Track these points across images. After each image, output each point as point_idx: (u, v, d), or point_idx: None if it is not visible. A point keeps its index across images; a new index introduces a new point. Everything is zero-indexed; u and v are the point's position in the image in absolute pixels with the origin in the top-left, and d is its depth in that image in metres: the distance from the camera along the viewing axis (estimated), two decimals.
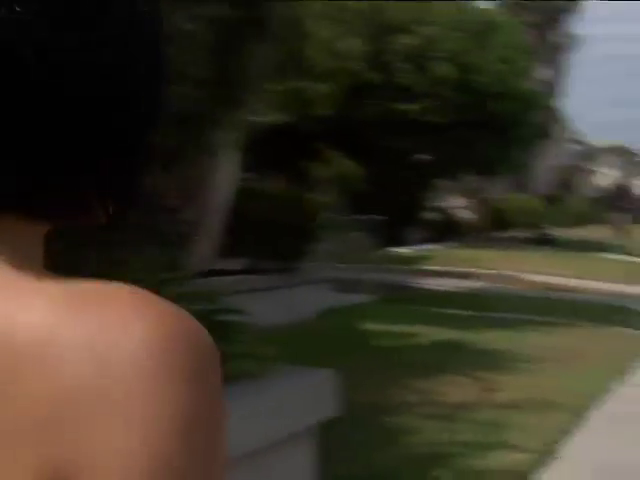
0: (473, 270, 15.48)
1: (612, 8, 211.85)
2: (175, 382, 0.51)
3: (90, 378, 0.50)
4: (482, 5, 23.68)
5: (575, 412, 6.41)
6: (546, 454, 5.42)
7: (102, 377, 0.50)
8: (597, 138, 67.69)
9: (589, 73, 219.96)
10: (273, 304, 8.82)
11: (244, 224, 8.80)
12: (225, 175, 7.49)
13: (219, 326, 3.43)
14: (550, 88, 40.05)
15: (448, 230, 23.23)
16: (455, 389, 6.88)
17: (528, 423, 6.02)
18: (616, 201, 23.89)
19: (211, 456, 0.52)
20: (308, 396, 3.73)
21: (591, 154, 64.46)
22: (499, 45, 20.30)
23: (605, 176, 54.79)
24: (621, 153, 65.94)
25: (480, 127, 19.71)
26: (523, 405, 6.45)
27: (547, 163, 50.28)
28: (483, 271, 15.38)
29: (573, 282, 14.30)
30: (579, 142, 66.65)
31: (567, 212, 37.41)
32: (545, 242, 22.70)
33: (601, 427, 6.17)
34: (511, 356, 8.20)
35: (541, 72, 41.24)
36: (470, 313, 10.98)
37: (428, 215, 22.99)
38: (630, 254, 20.68)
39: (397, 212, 20.27)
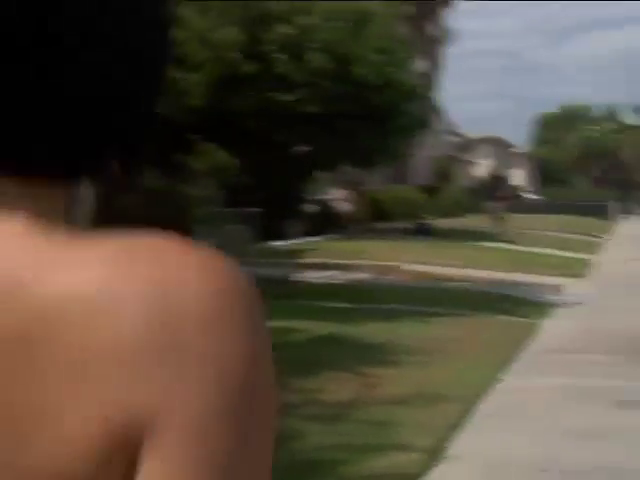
0: (354, 262, 15.21)
1: (483, 4, 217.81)
2: (235, 324, 0.54)
3: (155, 327, 0.53)
4: None
5: (464, 405, 6.15)
6: (436, 453, 5.11)
7: (166, 325, 0.53)
8: (472, 130, 69.32)
9: (463, 67, 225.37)
10: None
11: (116, 219, 8.22)
12: None
13: None
14: (427, 80, 40.48)
15: (328, 222, 23.01)
16: (338, 387, 6.52)
17: (416, 420, 5.72)
18: (492, 191, 24.13)
19: (271, 392, 0.56)
20: None
21: (467, 145, 65.85)
22: (375, 36, 20.18)
23: (481, 167, 55.98)
24: (496, 144, 67.65)
25: (358, 118, 19.55)
26: (410, 400, 6.15)
27: (425, 154, 50.96)
28: (364, 263, 15.12)
29: (454, 271, 14.21)
30: (455, 134, 67.95)
31: (445, 202, 37.91)
32: (424, 232, 22.75)
33: (491, 421, 5.92)
34: (396, 349, 7.92)
35: (418, 64, 41.71)
36: (352, 306, 10.68)
37: (308, 208, 22.69)
38: (507, 242, 20.92)
39: (276, 205, 19.88)
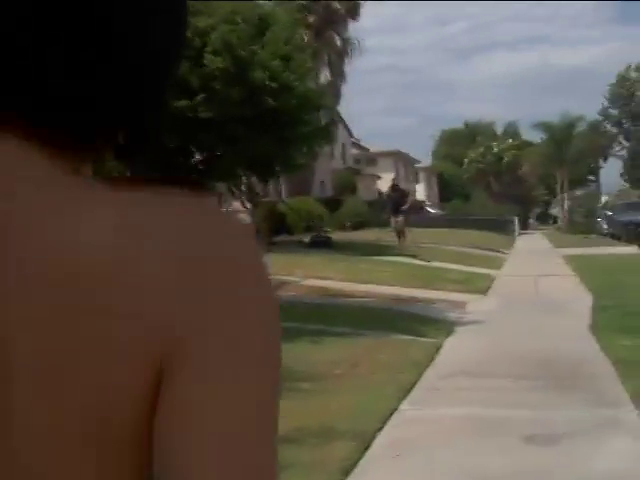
0: None
1: (389, 22, 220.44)
2: (249, 263, 0.62)
3: (181, 266, 0.59)
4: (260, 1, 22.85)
5: (357, 442, 5.43)
6: None
7: (193, 261, 0.59)
8: (374, 145, 69.40)
9: (369, 83, 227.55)
10: None
11: None
12: None
13: None
14: (330, 91, 40.09)
15: None
16: None
17: (306, 461, 4.96)
18: (394, 204, 23.61)
19: (278, 324, 0.64)
20: None
21: (372, 158, 65.91)
22: (275, 40, 19.51)
23: (384, 180, 55.94)
24: (399, 158, 67.90)
25: (256, 124, 18.80)
26: (298, 437, 5.38)
27: (328, 166, 50.60)
28: None
29: (354, 287, 13.58)
30: (359, 147, 68.01)
31: (347, 215, 37.53)
32: (324, 245, 22.12)
33: (385, 461, 5.21)
34: (286, 374, 7.14)
35: (322, 74, 41.32)
36: None
37: None
38: (409, 256, 20.46)
39: None
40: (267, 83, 18.99)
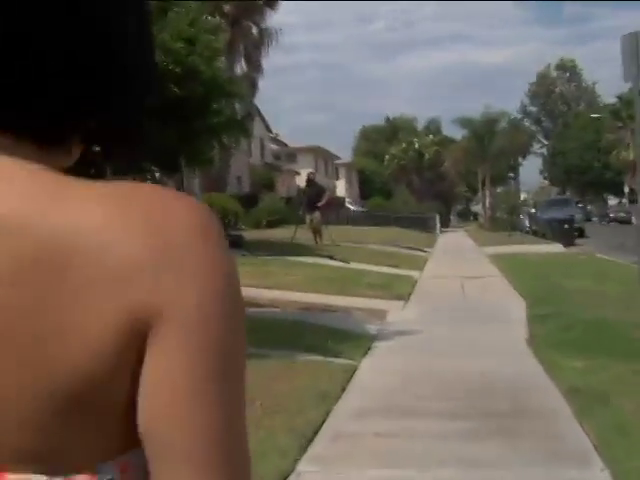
0: None
1: (309, 17, 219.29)
2: (215, 241, 0.70)
3: (153, 245, 0.67)
4: None
5: None
6: None
7: (165, 245, 0.67)
8: (294, 141, 67.90)
9: (291, 79, 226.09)
10: None
11: None
12: None
13: None
14: (246, 82, 38.38)
15: None
16: None
17: None
18: (309, 200, 22.04)
19: (241, 299, 0.72)
20: None
21: (291, 154, 64.37)
22: (179, 22, 17.74)
23: (303, 176, 54.49)
24: (318, 154, 66.52)
25: (157, 112, 16.95)
26: None
27: (245, 162, 48.86)
28: None
29: (261, 294, 11.93)
30: (278, 142, 66.39)
31: (264, 213, 35.90)
32: (234, 245, 20.32)
33: None
34: None
35: (237, 65, 39.61)
36: None
37: None
38: (325, 257, 18.92)
39: None
40: (170, 68, 17.21)
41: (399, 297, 12.88)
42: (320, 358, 8.08)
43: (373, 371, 7.72)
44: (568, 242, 29.92)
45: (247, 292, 11.51)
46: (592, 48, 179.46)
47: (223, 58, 38.08)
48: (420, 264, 20.62)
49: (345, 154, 79.70)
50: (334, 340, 8.85)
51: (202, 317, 0.67)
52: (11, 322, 0.65)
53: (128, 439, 0.69)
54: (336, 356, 8.23)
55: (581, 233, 36.57)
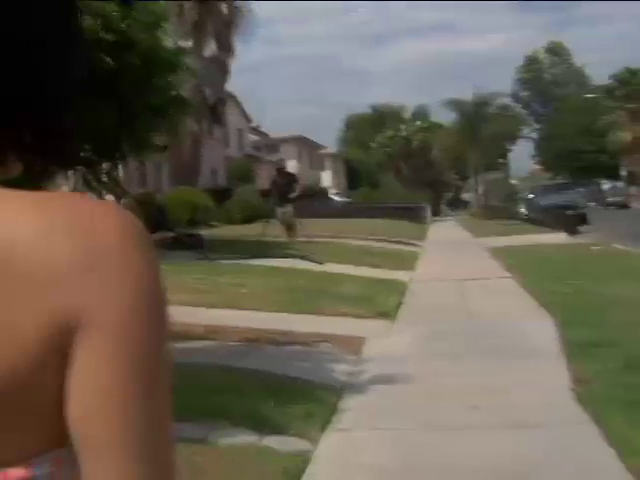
0: None
1: (297, 9, 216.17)
2: (138, 245, 0.71)
3: (78, 250, 0.68)
4: None
5: None
6: None
7: (89, 251, 0.69)
8: (277, 131, 64.74)
9: (278, 72, 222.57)
10: None
11: None
12: None
13: None
14: (218, 66, 35.25)
15: None
16: None
17: None
18: (280, 192, 18.93)
19: (165, 301, 0.73)
20: None
21: (273, 145, 61.15)
22: None
23: (287, 168, 51.35)
24: (302, 144, 63.35)
25: (91, 90, 13.79)
26: None
27: (221, 153, 45.68)
28: None
29: (197, 316, 8.78)
30: (260, 133, 63.18)
31: (237, 207, 32.81)
32: (193, 247, 17.15)
33: None
34: None
35: (207, 47, 36.40)
36: None
37: None
38: (299, 257, 15.79)
39: None
40: (100, 35, 14.03)
41: (383, 314, 9.76)
42: (251, 440, 4.97)
43: (335, 467, 4.63)
44: (572, 230, 26.99)
45: (184, 313, 8.34)
46: (577, 34, 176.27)
47: (191, 40, 34.88)
48: (410, 262, 17.55)
49: (332, 145, 76.69)
50: (280, 401, 5.71)
51: (122, 319, 0.69)
52: None
53: (61, 436, 0.70)
54: (279, 433, 5.13)
55: (583, 219, 33.54)
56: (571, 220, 29.25)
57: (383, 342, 8.25)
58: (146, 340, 0.70)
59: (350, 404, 5.93)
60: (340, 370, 6.96)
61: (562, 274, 12.82)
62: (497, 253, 18.79)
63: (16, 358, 0.67)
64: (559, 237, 24.25)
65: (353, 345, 8.00)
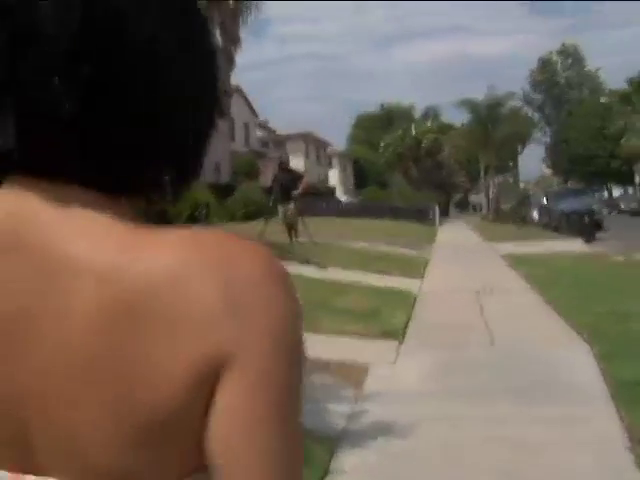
0: None
1: (308, 8, 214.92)
2: (282, 288, 0.73)
3: (225, 290, 0.70)
4: None
5: None
6: None
7: (233, 292, 0.70)
8: (284, 127, 63.42)
9: (288, 70, 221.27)
10: None
11: None
12: None
13: None
14: (223, 56, 33.92)
15: None
16: None
17: None
18: (282, 189, 17.56)
19: (302, 340, 0.75)
20: None
21: (280, 141, 59.82)
22: None
23: (292, 164, 50.00)
24: (309, 141, 62.01)
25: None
26: None
27: (226, 148, 44.35)
28: None
29: None
30: (266, 129, 61.86)
31: (240, 204, 31.49)
32: None
33: None
34: None
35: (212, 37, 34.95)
36: None
37: None
38: (300, 261, 14.43)
39: None
40: None
41: (390, 334, 8.41)
42: None
43: None
44: (589, 237, 25.65)
45: None
46: (591, 37, 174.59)
47: None
48: (419, 269, 16.21)
49: (341, 143, 75.40)
50: None
51: (265, 360, 0.70)
52: (94, 366, 0.69)
53: (198, 463, 0.72)
54: None
55: (599, 226, 32.09)
56: (587, 227, 27.88)
57: (388, 372, 6.88)
58: (287, 380, 0.71)
59: (345, 464, 4.59)
60: (337, 412, 5.60)
61: (589, 289, 11.45)
62: (512, 260, 17.43)
63: (162, 397, 0.69)
64: (576, 245, 22.91)
65: (354, 375, 6.66)
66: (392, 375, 6.78)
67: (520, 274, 14.50)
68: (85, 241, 0.72)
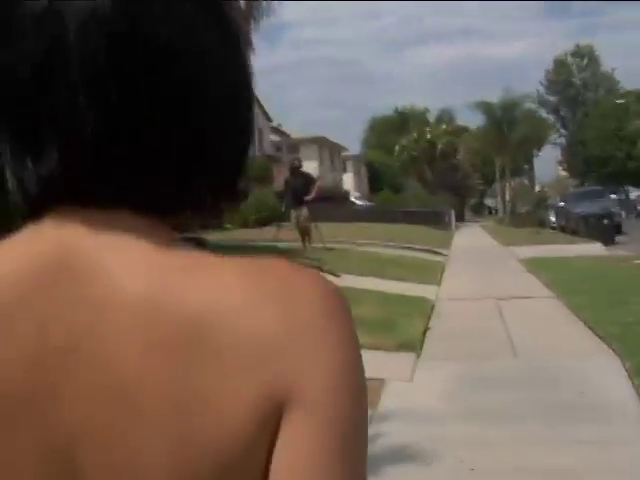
0: None
1: (321, 13, 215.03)
2: (344, 320, 0.70)
3: (288, 324, 0.67)
4: None
5: None
6: None
7: (296, 325, 0.67)
8: (298, 131, 63.08)
9: (302, 75, 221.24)
10: None
11: None
12: None
13: None
14: None
15: None
16: None
17: None
18: (294, 193, 17.16)
19: (364, 374, 0.71)
20: None
21: (293, 146, 59.49)
22: None
23: (307, 169, 49.59)
24: (323, 145, 61.66)
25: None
26: None
27: None
28: None
29: None
30: (280, 133, 61.58)
31: (253, 209, 31.09)
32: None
33: None
34: None
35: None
36: None
37: None
38: (312, 267, 13.97)
39: None
40: None
41: (406, 346, 7.95)
42: None
43: None
44: (608, 241, 25.16)
45: None
46: (606, 39, 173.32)
47: None
48: (436, 274, 15.74)
49: (356, 149, 75.04)
50: None
51: (327, 396, 0.67)
52: (146, 407, 0.66)
53: None
54: None
55: (619, 229, 31.49)
56: (607, 230, 27.38)
57: (405, 388, 6.43)
58: (350, 418, 0.68)
59: None
60: None
61: (615, 296, 10.93)
62: (532, 265, 16.92)
63: (223, 439, 0.66)
64: (595, 248, 22.42)
65: (369, 391, 6.20)
66: (408, 392, 6.32)
67: (541, 280, 13.99)
68: (138, 272, 0.68)
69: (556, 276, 13.99)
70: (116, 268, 0.69)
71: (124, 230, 0.71)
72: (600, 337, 8.08)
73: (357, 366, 0.70)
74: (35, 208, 0.72)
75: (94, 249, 0.70)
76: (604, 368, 6.83)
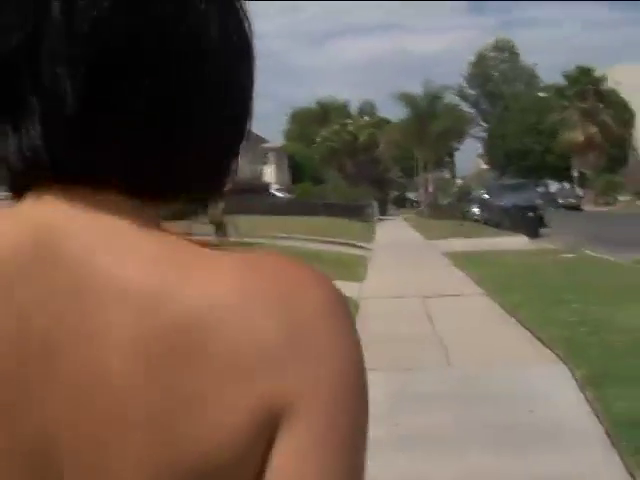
0: None
1: (249, 6, 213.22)
2: (344, 322, 0.66)
3: (287, 327, 0.63)
4: None
5: None
6: None
7: (294, 329, 0.63)
8: None
9: None
10: None
11: None
12: None
13: None
14: None
15: None
16: None
17: None
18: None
19: (366, 380, 0.67)
20: None
21: None
22: None
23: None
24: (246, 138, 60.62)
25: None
26: None
27: None
28: None
29: None
30: None
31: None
32: None
33: None
34: None
35: None
36: None
37: None
38: None
39: None
40: None
41: None
42: None
43: None
44: (533, 233, 24.87)
45: None
46: (527, 35, 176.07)
47: None
48: (358, 270, 14.88)
49: (279, 141, 74.03)
50: None
51: (327, 405, 0.64)
52: (130, 405, 0.62)
53: None
54: None
55: (541, 222, 31.31)
56: (531, 222, 27.06)
57: None
58: (356, 427, 0.65)
59: None
60: None
61: (550, 293, 10.18)
62: (458, 259, 16.21)
63: (212, 448, 0.62)
64: (520, 241, 22.04)
65: None
66: None
67: (469, 275, 13.22)
68: (129, 260, 0.64)
69: (485, 271, 13.26)
70: (106, 254, 0.64)
71: (115, 213, 0.66)
72: (541, 340, 7.24)
73: (358, 367, 0.66)
74: (19, 186, 0.68)
75: (81, 232, 0.65)
76: (551, 377, 5.97)
